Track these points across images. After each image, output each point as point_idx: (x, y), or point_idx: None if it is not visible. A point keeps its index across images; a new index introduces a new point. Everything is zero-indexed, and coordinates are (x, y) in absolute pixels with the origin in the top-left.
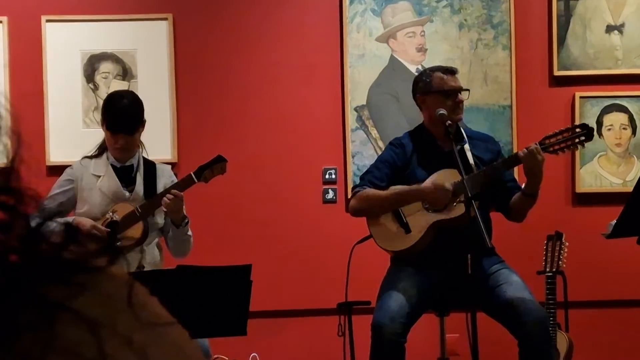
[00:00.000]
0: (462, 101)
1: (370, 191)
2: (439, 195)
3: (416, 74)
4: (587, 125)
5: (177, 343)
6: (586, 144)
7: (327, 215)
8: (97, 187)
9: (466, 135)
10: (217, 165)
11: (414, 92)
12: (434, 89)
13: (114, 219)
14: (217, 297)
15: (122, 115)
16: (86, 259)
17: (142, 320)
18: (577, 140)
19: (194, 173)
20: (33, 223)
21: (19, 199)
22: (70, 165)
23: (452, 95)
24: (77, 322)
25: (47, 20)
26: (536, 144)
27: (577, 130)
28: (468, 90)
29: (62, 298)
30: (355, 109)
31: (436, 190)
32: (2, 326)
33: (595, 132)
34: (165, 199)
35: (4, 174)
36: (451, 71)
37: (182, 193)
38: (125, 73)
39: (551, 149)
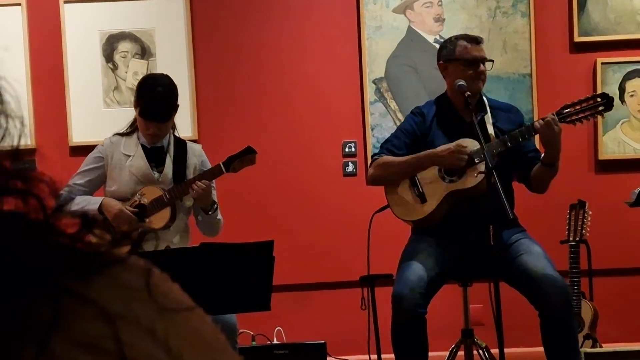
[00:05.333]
0: (483, 72)
1: (387, 158)
2: (453, 158)
3: (434, 44)
4: (607, 95)
5: (198, 329)
6: (607, 113)
7: (348, 188)
8: (127, 166)
9: (489, 106)
10: (247, 156)
11: (438, 58)
12: (456, 56)
13: (142, 202)
14: (240, 274)
15: (155, 103)
16: (105, 250)
17: (162, 309)
18: (596, 110)
19: (223, 164)
20: (49, 211)
21: (30, 184)
22: (96, 145)
23: (473, 65)
24: (99, 316)
25: (65, 2)
26: (553, 114)
27: (597, 99)
28: (492, 61)
29: (83, 292)
30: (374, 82)
31: (451, 152)
32: (21, 319)
33: (617, 99)
34: (194, 186)
35: (14, 159)
36: (476, 40)
37: (210, 182)
38: (144, 52)
39: (569, 119)
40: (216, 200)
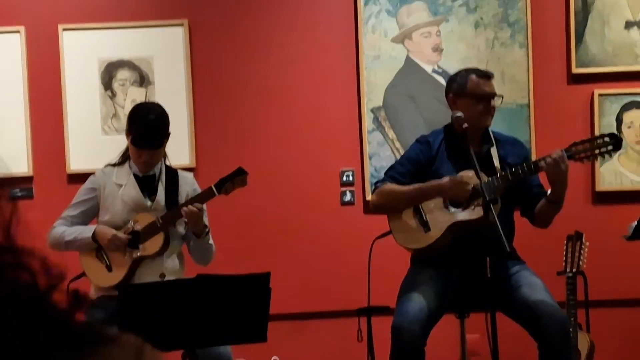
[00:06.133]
0: (493, 107)
1: (391, 186)
2: (457, 189)
3: (432, 74)
4: (616, 135)
5: None
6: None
7: (345, 217)
8: (119, 196)
9: (495, 138)
10: (238, 177)
11: (447, 91)
12: (468, 91)
13: (135, 229)
14: (237, 305)
15: (148, 131)
16: (97, 329)
17: None
18: (604, 149)
19: (214, 185)
20: (41, 287)
21: (21, 259)
22: (93, 173)
23: (484, 100)
24: None
25: (64, 29)
26: (561, 151)
27: (606, 139)
28: (501, 96)
29: None
30: (372, 111)
31: (455, 184)
32: None
33: (614, 131)
34: (185, 209)
35: (5, 232)
36: (487, 76)
37: (202, 205)
38: (142, 80)
39: (577, 156)
40: (208, 224)
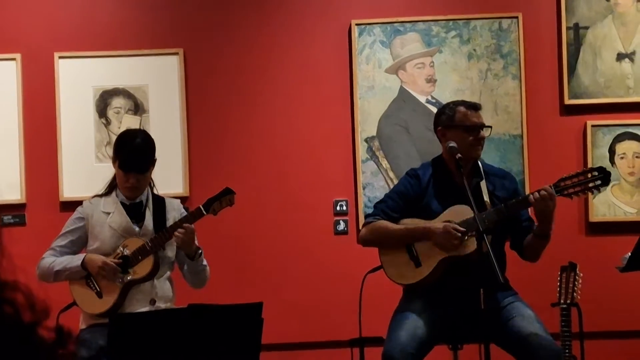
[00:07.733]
0: (483, 138)
1: (382, 223)
2: (447, 239)
3: (426, 104)
4: (604, 169)
5: None
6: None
7: (339, 246)
8: (107, 223)
9: (484, 171)
10: (225, 197)
11: (436, 124)
12: (457, 123)
13: (125, 253)
14: (229, 335)
15: (134, 154)
16: None
17: None
18: (592, 185)
19: (202, 206)
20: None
21: (3, 291)
22: (81, 204)
23: (473, 131)
24: None
25: (60, 57)
26: (551, 186)
27: (594, 173)
28: (490, 127)
29: None
30: (366, 140)
31: (445, 234)
32: None
33: (607, 162)
34: (176, 232)
35: None
36: (475, 107)
37: (192, 225)
38: (137, 108)
39: (565, 192)
40: (199, 246)
